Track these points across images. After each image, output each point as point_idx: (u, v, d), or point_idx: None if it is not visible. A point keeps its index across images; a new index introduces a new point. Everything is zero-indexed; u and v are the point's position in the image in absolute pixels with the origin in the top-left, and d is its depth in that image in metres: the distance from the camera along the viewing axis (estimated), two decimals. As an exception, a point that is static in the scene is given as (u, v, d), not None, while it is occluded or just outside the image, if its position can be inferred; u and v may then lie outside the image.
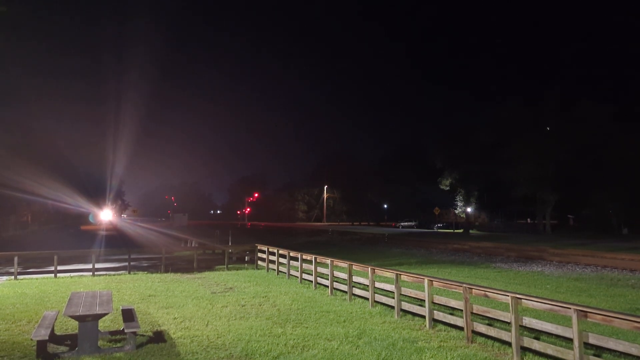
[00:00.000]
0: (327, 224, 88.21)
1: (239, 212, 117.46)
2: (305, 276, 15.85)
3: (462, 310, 8.60)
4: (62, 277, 16.95)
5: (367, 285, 11.89)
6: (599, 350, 7.27)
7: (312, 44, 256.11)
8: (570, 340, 6.71)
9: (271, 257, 18.93)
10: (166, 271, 18.57)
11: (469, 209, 65.15)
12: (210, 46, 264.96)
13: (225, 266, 20.09)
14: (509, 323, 7.64)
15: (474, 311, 8.49)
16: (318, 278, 14.70)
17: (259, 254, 20.59)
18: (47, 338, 7.52)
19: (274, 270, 18.28)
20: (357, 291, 12.50)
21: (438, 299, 9.62)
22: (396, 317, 10.41)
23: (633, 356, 6.50)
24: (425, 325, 9.48)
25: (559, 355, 6.83)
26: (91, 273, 17.58)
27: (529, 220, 62.02)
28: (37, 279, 16.67)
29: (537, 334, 8.18)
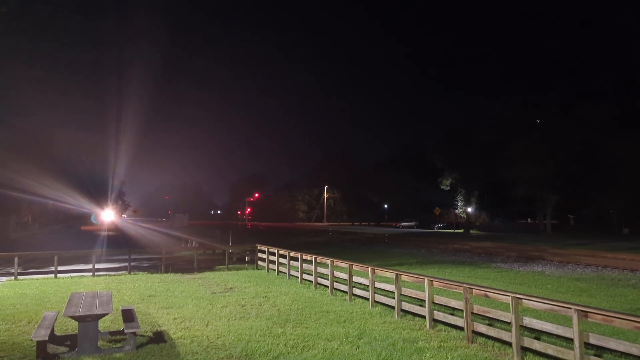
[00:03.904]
0: (327, 224, 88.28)
1: (239, 212, 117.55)
2: (305, 276, 15.84)
3: (462, 311, 8.58)
4: (63, 278, 16.94)
5: (368, 286, 11.88)
6: (599, 350, 7.25)
7: (314, 43, 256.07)
8: (571, 340, 6.70)
9: (271, 257, 18.92)
10: (166, 271, 18.57)
11: (469, 209, 65.15)
12: (213, 43, 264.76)
13: (226, 266, 20.08)
14: (509, 323, 7.62)
15: (475, 311, 8.48)
16: (318, 278, 14.68)
17: (259, 254, 20.58)
18: (47, 338, 7.51)
19: (274, 270, 18.27)
20: (357, 291, 12.49)
21: (438, 299, 9.60)
22: (396, 317, 10.40)
23: (634, 356, 6.49)
24: (426, 326, 9.47)
25: (560, 356, 6.82)
26: (91, 273, 17.57)
27: (529, 220, 62.03)
28: (37, 279, 16.66)
29: (538, 334, 8.17)
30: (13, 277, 16.61)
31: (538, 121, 51.40)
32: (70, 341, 8.42)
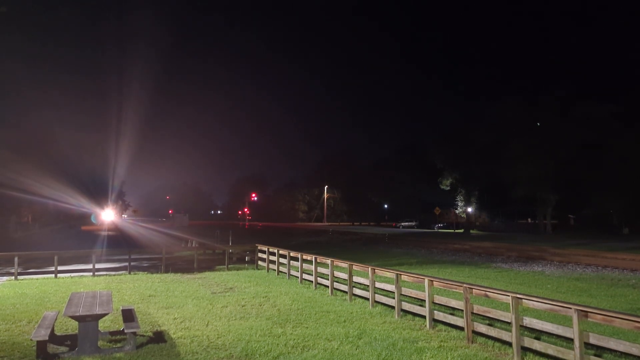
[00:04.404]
0: (327, 224, 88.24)
1: (239, 212, 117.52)
2: (305, 276, 15.84)
3: (462, 310, 8.58)
4: (63, 278, 16.94)
5: (368, 286, 11.87)
6: (599, 350, 7.25)
7: (314, 43, 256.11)
8: (571, 340, 6.70)
9: (271, 257, 18.92)
10: (166, 271, 18.57)
11: (469, 209, 65.12)
12: (214, 43, 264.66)
13: (226, 266, 20.08)
14: (509, 323, 7.62)
15: (475, 311, 8.47)
16: (318, 278, 14.68)
17: (260, 254, 20.58)
18: (47, 338, 7.51)
19: (275, 270, 18.27)
20: (357, 291, 12.49)
21: (438, 299, 9.60)
22: (396, 317, 10.40)
23: (634, 356, 6.48)
24: (426, 326, 9.47)
25: (560, 356, 6.81)
26: (91, 273, 17.57)
27: (529, 220, 62.03)
28: (37, 279, 16.67)
29: (538, 334, 8.17)
30: (13, 277, 16.61)
31: (538, 124, 51.41)
32: (70, 341, 8.42)
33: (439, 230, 63.61)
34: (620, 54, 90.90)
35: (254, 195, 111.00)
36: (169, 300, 12.49)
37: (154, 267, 19.77)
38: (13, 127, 38.21)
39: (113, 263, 20.84)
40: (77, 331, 7.95)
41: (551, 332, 7.19)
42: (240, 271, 19.29)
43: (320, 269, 14.62)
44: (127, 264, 18.77)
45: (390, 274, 11.27)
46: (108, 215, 73.74)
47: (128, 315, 8.82)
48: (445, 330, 9.21)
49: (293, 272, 16.85)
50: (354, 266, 12.86)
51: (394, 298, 10.72)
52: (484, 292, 8.44)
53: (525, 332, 7.89)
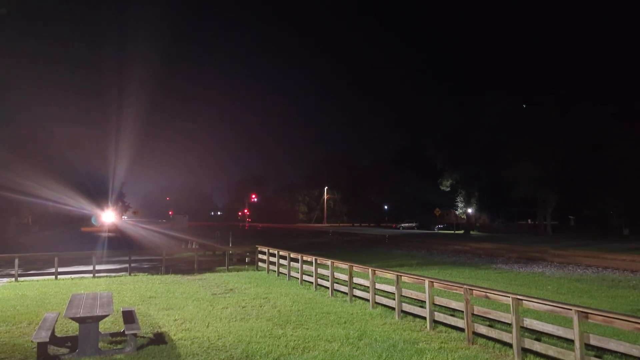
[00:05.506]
0: (327, 225, 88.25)
1: (239, 213, 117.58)
2: (305, 277, 15.84)
3: (463, 312, 8.59)
4: (63, 279, 16.95)
5: (368, 287, 11.88)
6: (600, 351, 7.25)
7: (315, 43, 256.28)
8: (572, 341, 6.70)
9: (272, 259, 18.92)
10: (167, 272, 18.57)
11: (469, 210, 65.11)
12: (215, 41, 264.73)
13: (226, 267, 20.09)
14: (509, 324, 7.63)
15: (475, 312, 8.48)
16: (318, 279, 14.69)
17: (260, 255, 20.59)
18: (47, 340, 7.51)
19: (275, 271, 18.28)
20: (357, 292, 12.49)
21: (439, 300, 9.61)
22: (397, 318, 10.40)
23: (634, 357, 6.48)
24: (426, 327, 9.47)
25: (560, 357, 6.81)
26: (92, 275, 17.58)
27: (529, 221, 62.01)
28: (37, 280, 16.67)
29: (538, 335, 8.17)
30: (13, 279, 16.62)
31: (539, 123, 51.40)
32: (71, 342, 8.43)
33: (439, 231, 63.59)
34: (620, 54, 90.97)
35: (256, 196, 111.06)
36: (169, 301, 12.49)
37: (154, 269, 19.78)
38: (11, 125, 38.07)
39: (113, 264, 20.85)
40: (77, 333, 7.95)
41: (552, 333, 7.20)
42: (240, 272, 19.29)
43: (321, 270, 14.62)
44: (127, 265, 18.78)
45: (390, 275, 11.28)
46: (108, 217, 73.68)
47: (128, 317, 8.82)
48: (445, 332, 9.21)
49: (293, 274, 16.85)
50: (354, 267, 12.86)
51: (394, 299, 10.72)
52: (484, 293, 8.44)
53: (526, 334, 7.89)
